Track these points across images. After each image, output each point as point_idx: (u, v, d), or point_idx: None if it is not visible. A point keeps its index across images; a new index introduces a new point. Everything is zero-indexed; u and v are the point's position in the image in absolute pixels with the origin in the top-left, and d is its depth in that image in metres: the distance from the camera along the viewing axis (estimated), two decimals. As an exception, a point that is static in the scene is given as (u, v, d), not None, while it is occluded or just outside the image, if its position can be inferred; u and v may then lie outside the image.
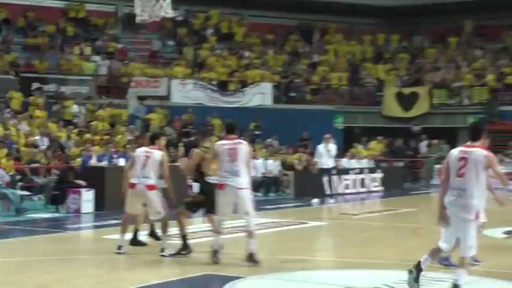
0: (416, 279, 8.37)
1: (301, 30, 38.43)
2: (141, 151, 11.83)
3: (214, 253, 10.20)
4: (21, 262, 11.25)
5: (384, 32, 39.34)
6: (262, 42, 36.55)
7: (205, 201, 10.92)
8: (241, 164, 10.26)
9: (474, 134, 8.51)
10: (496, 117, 32.06)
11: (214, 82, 32.07)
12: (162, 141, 12.60)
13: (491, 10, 36.07)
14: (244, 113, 30.86)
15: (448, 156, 8.60)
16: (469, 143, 8.36)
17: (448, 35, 38.10)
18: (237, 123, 11.34)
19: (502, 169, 9.72)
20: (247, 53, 35.05)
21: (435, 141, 32.46)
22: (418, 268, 8.36)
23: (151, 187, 11.41)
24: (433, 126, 33.58)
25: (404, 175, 30.50)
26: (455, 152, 8.50)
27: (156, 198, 11.53)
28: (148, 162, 11.49)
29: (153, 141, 12.17)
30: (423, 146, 32.50)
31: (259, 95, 32.31)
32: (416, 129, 33.80)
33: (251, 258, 9.96)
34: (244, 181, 10.13)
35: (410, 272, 8.31)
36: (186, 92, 31.17)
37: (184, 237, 10.99)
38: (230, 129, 10.92)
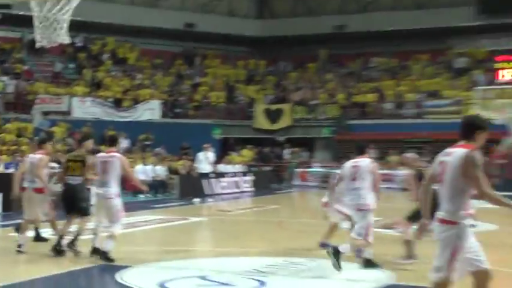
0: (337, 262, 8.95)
1: (185, 55, 38.88)
2: (31, 157, 11.83)
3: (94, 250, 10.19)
4: None
5: (254, 58, 40.38)
6: (152, 65, 36.77)
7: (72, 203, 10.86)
8: (112, 176, 10.28)
9: (360, 150, 9.94)
10: (345, 130, 33.88)
11: (110, 99, 32.09)
12: (49, 146, 12.58)
13: (341, 41, 37.78)
14: (136, 126, 31.41)
15: (342, 168, 9.92)
16: (357, 157, 9.75)
17: (306, 61, 39.37)
18: (117, 136, 12.01)
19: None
20: (138, 75, 35.21)
21: (296, 149, 34.15)
22: (336, 251, 9.03)
23: (38, 190, 11.34)
24: (295, 137, 34.90)
25: (271, 177, 31.49)
26: (347, 164, 9.75)
27: (42, 201, 11.54)
28: (33, 166, 11.46)
29: (40, 146, 12.13)
30: (286, 153, 34.06)
31: (149, 111, 32.50)
32: (281, 139, 35.17)
33: (105, 256, 9.92)
34: (112, 191, 10.20)
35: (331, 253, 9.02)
36: (85, 108, 31.13)
37: (61, 236, 10.68)
38: (110, 142, 11.22)
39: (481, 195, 5.99)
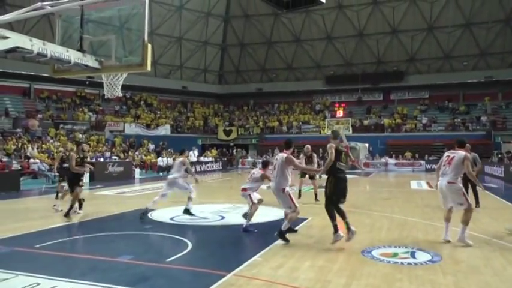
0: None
1: (182, 102, 37.37)
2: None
3: None
4: None
5: (217, 104, 39.59)
6: (165, 107, 35.18)
7: None
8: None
9: (287, 145, 6.61)
10: (263, 140, 33.70)
11: (144, 124, 30.62)
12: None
13: (260, 96, 37.99)
14: (158, 138, 30.15)
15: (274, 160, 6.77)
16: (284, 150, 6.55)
17: (243, 105, 38.65)
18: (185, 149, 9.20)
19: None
20: (158, 112, 33.55)
21: (239, 149, 33.39)
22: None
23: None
24: (239, 143, 34.21)
25: (227, 163, 29.90)
26: (277, 157, 6.62)
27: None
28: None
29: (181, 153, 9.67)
30: (235, 151, 33.76)
31: (164, 130, 31.37)
32: (232, 144, 34.31)
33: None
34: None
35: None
36: (131, 128, 29.68)
37: None
38: (180, 152, 9.31)
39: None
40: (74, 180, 9.04)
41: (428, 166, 26.61)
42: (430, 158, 27.46)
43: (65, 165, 10.21)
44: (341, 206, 6.38)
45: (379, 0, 33.37)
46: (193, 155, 26.83)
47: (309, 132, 33.57)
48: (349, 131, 28.69)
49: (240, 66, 39.55)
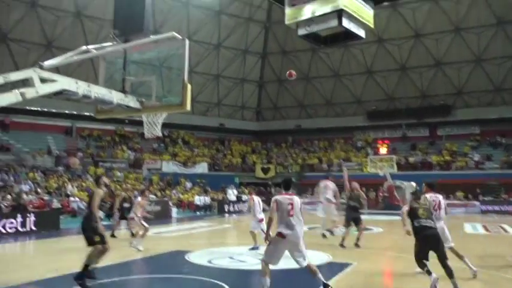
0: None
1: (219, 140, 38.00)
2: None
3: None
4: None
5: (254, 141, 39.76)
6: (203, 145, 35.71)
7: None
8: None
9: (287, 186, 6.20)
10: (303, 178, 33.42)
11: (181, 162, 31.25)
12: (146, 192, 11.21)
13: (299, 133, 38.24)
14: (195, 176, 30.45)
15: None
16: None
17: (281, 142, 38.92)
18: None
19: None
20: (196, 150, 34.23)
21: (278, 188, 32.46)
22: None
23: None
24: (277, 181, 33.36)
25: (264, 202, 32.62)
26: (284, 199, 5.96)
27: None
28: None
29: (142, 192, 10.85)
30: (273, 190, 32.12)
31: (201, 168, 31.54)
32: (270, 182, 34.00)
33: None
34: None
35: None
36: (169, 166, 30.01)
37: None
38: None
39: None
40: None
41: (484, 207, 25.26)
42: (486, 199, 26.08)
43: (126, 205, 10.97)
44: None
45: (421, 33, 33.17)
46: (232, 194, 26.76)
47: (351, 170, 32.69)
48: (393, 169, 27.84)
49: (278, 103, 39.92)
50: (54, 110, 28.31)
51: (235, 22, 35.23)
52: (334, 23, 10.32)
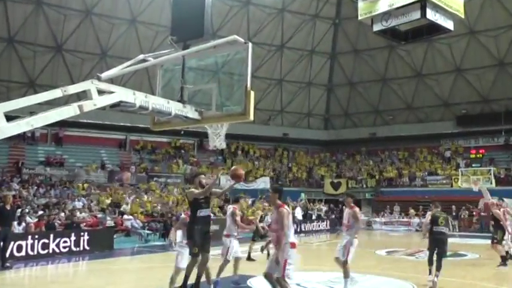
0: None
1: (282, 151, 38.43)
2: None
3: None
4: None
5: (323, 153, 39.83)
6: (265, 156, 36.54)
7: None
8: None
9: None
10: (379, 194, 33.07)
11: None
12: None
13: (374, 142, 37.40)
14: (255, 192, 30.84)
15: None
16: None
17: (354, 154, 38.51)
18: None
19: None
20: (257, 162, 34.83)
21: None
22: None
23: None
24: None
25: (336, 221, 28.37)
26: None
27: None
28: None
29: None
30: (345, 208, 34.46)
31: (263, 182, 31.69)
32: (341, 199, 32.11)
33: None
34: None
35: None
36: (227, 181, 33.44)
37: None
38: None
39: None
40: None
41: None
42: None
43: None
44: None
45: (523, 21, 31.30)
46: (299, 212, 26.63)
47: (438, 185, 31.60)
48: (491, 183, 26.32)
49: (349, 109, 39.54)
50: (107, 122, 29.88)
51: (300, 20, 35.41)
52: (416, 15, 9.87)
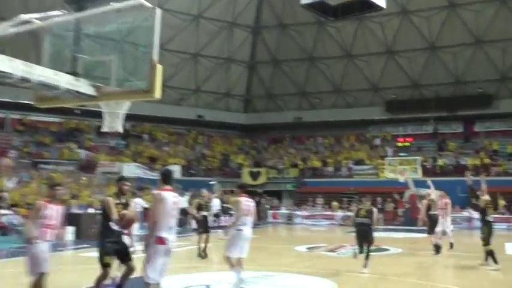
0: None
1: (196, 136, 38.29)
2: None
3: None
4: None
5: (241, 138, 40.64)
6: (175, 142, 36.43)
7: None
8: None
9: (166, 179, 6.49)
10: (302, 185, 34.42)
11: (146, 164, 31.08)
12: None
13: (299, 128, 38.62)
14: None
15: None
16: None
17: (276, 140, 39.99)
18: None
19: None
20: (166, 148, 34.75)
21: (270, 198, 33.86)
22: None
23: None
24: (269, 189, 34.80)
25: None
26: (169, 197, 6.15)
27: None
28: None
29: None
30: (263, 200, 32.80)
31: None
32: (260, 191, 34.14)
33: None
34: None
35: None
36: (130, 169, 29.06)
37: None
38: None
39: None
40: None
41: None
42: (533, 212, 26.59)
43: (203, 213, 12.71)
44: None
45: (457, 3, 33.45)
46: (216, 205, 26.38)
47: (364, 175, 33.20)
48: (418, 174, 28.12)
49: (273, 90, 40.22)
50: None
51: (219, -14, 35.38)
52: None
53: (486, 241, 11.73)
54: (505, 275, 10.95)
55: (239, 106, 40.93)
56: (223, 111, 39.53)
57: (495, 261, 11.64)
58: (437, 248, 14.36)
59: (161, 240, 5.98)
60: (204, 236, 13.24)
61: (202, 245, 13.16)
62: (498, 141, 33.96)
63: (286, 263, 12.40)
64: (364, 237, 11.02)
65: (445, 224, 15.01)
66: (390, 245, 16.70)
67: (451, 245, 15.04)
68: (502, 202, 27.90)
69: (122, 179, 8.07)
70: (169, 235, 6.09)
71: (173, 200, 6.27)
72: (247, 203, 8.69)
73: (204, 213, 13.77)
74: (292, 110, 39.49)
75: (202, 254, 13.16)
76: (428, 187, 16.05)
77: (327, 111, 38.28)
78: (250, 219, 8.70)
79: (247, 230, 8.59)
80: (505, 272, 11.26)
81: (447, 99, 35.41)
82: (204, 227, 13.47)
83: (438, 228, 14.80)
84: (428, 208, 15.09)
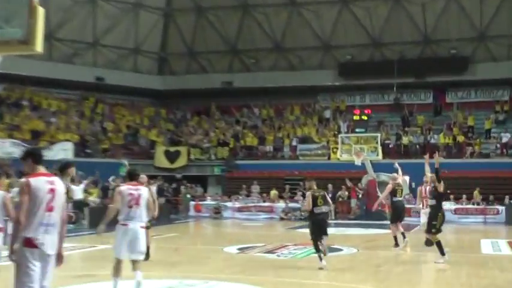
0: None
1: (95, 104, 38.30)
2: None
3: None
4: None
5: (155, 107, 40.61)
6: (66, 112, 36.00)
7: None
8: None
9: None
10: (233, 169, 34.70)
11: (28, 141, 29.78)
12: None
13: (229, 95, 38.86)
14: (51, 165, 32.50)
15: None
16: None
17: (200, 111, 40.04)
18: None
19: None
20: (53, 119, 34.38)
21: (192, 185, 33.77)
22: None
23: None
24: (191, 174, 34.79)
25: (170, 209, 30.79)
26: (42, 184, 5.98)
27: None
28: None
29: None
30: (183, 188, 33.06)
31: (63, 151, 30.89)
32: (179, 176, 34.82)
33: None
34: None
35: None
36: (5, 148, 29.37)
37: None
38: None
39: None
40: None
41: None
42: (515, 202, 27.91)
43: None
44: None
45: None
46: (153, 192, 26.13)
47: (311, 157, 33.71)
48: (377, 154, 28.87)
49: (196, 46, 40.03)
50: None
51: None
52: None
53: (438, 230, 12.76)
54: (480, 278, 11.47)
55: (152, 66, 40.67)
56: (130, 73, 39.16)
57: (442, 253, 12.88)
58: (400, 239, 15.32)
59: (30, 242, 5.76)
60: None
61: None
62: (474, 114, 35.05)
63: (212, 269, 12.45)
64: (323, 230, 12.11)
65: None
66: (343, 243, 16.97)
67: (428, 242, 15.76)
68: (477, 193, 28.87)
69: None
70: (44, 234, 5.84)
71: (49, 187, 5.98)
72: (130, 191, 8.78)
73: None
74: (221, 73, 39.56)
75: None
76: (396, 171, 16.49)
77: (264, 75, 38.45)
78: (138, 212, 8.78)
79: (134, 225, 8.67)
80: (479, 274, 11.79)
81: (414, 62, 36.42)
82: None
83: (423, 221, 15.71)
84: (394, 194, 15.65)
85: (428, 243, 13.50)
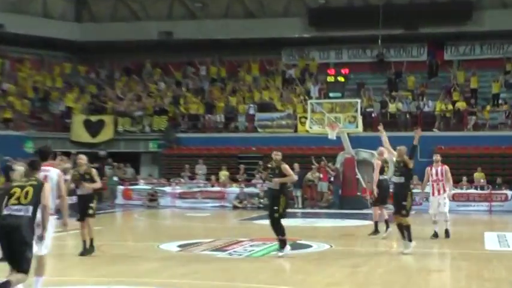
0: None
1: None
2: None
3: None
4: None
5: (72, 63, 40.43)
6: None
7: None
8: None
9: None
10: (174, 143, 34.64)
11: None
12: None
13: (168, 49, 38.77)
14: None
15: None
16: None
17: (131, 69, 39.97)
18: None
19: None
20: None
21: (120, 165, 33.69)
22: None
23: None
24: (118, 151, 34.71)
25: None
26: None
27: None
28: None
29: None
30: (108, 168, 32.96)
31: None
32: (103, 154, 34.49)
33: None
34: None
35: None
36: None
37: None
38: None
39: None
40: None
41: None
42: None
43: None
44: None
45: None
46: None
47: (272, 129, 33.87)
48: (356, 126, 29.00)
49: (124, -17, 39.41)
50: None
51: None
52: None
53: (408, 212, 13.61)
54: (483, 281, 11.60)
55: (66, 11, 40.34)
56: (37, 18, 38.74)
57: (410, 239, 13.90)
58: (384, 228, 16.26)
59: None
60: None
61: None
62: (479, 75, 35.28)
63: (146, 271, 12.40)
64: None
65: (440, 201, 16.34)
66: (313, 238, 17.12)
67: (447, 233, 16.57)
68: (480, 174, 29.18)
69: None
70: None
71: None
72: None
73: None
74: (157, 21, 39.57)
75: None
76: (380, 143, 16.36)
77: (213, 24, 38.48)
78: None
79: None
80: (482, 276, 11.95)
81: (404, 8, 36.75)
82: None
83: (431, 210, 16.43)
84: (381, 171, 16.32)
85: (400, 227, 14.14)
